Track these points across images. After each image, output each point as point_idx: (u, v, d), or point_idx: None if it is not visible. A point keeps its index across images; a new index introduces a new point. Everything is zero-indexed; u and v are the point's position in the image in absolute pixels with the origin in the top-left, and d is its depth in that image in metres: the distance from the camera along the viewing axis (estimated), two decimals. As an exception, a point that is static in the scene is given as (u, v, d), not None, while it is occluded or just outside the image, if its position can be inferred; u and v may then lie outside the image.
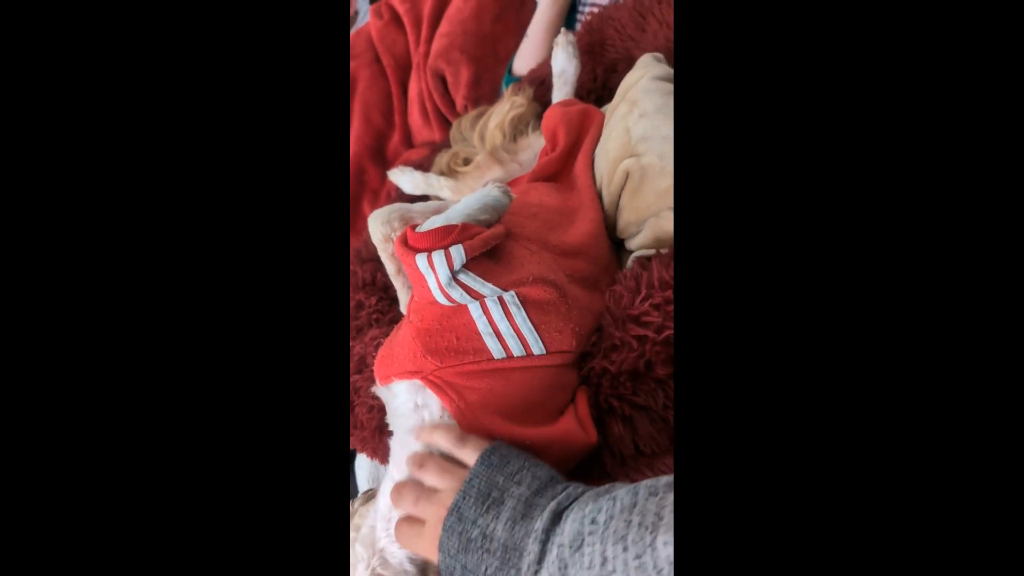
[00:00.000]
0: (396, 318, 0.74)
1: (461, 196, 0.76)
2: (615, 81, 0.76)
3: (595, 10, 0.88)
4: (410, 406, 0.51)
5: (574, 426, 0.49)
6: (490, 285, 0.48)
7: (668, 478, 0.38)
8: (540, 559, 0.39)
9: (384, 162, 1.18)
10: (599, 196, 0.63)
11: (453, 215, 0.51)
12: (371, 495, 0.63)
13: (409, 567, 0.50)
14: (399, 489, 0.49)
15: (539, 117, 0.85)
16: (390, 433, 0.62)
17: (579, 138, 0.68)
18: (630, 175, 0.59)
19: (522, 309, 0.50)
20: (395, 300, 0.79)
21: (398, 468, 0.53)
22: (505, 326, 0.50)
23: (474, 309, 0.50)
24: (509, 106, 0.84)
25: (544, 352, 0.51)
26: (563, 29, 0.79)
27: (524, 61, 0.96)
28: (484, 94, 1.01)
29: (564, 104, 0.72)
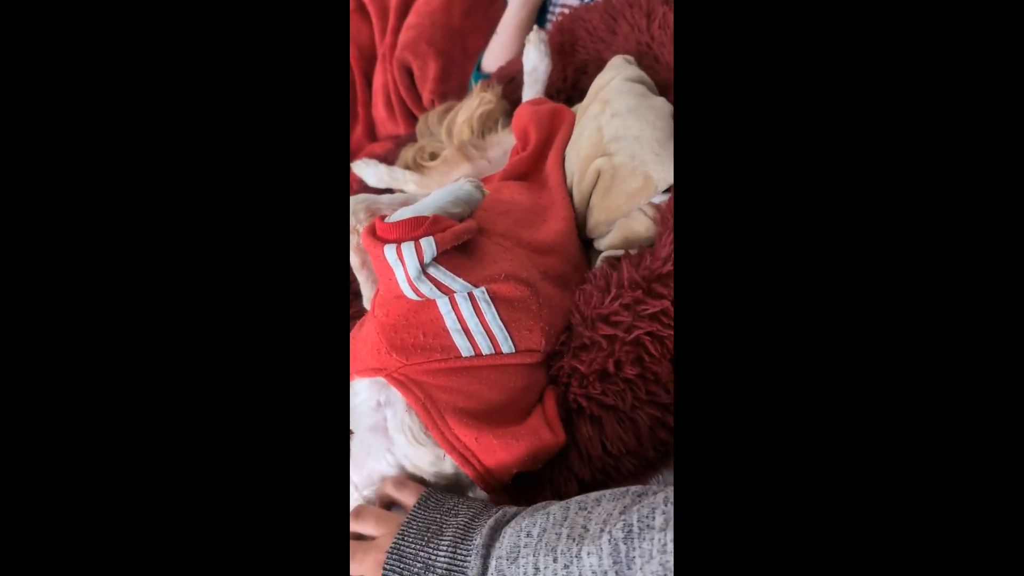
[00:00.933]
0: (359, 313, 0.72)
1: (427, 191, 0.74)
2: (585, 82, 0.76)
3: (566, 11, 0.88)
4: (372, 404, 0.50)
5: (542, 426, 0.48)
6: (460, 280, 0.47)
7: (598, 493, 0.41)
8: (482, 573, 0.40)
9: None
10: (569, 195, 0.62)
11: (423, 207, 0.49)
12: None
13: None
14: None
15: (508, 115, 0.85)
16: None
17: (550, 137, 0.67)
18: (601, 174, 0.59)
19: (492, 306, 0.49)
20: (357, 295, 0.76)
21: (358, 471, 0.51)
22: (474, 323, 0.49)
23: (443, 305, 0.48)
24: (478, 102, 0.83)
25: (513, 351, 0.50)
26: (535, 27, 0.79)
27: (493, 58, 0.95)
28: (451, 89, 1.00)
29: (534, 103, 0.71)
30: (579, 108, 0.69)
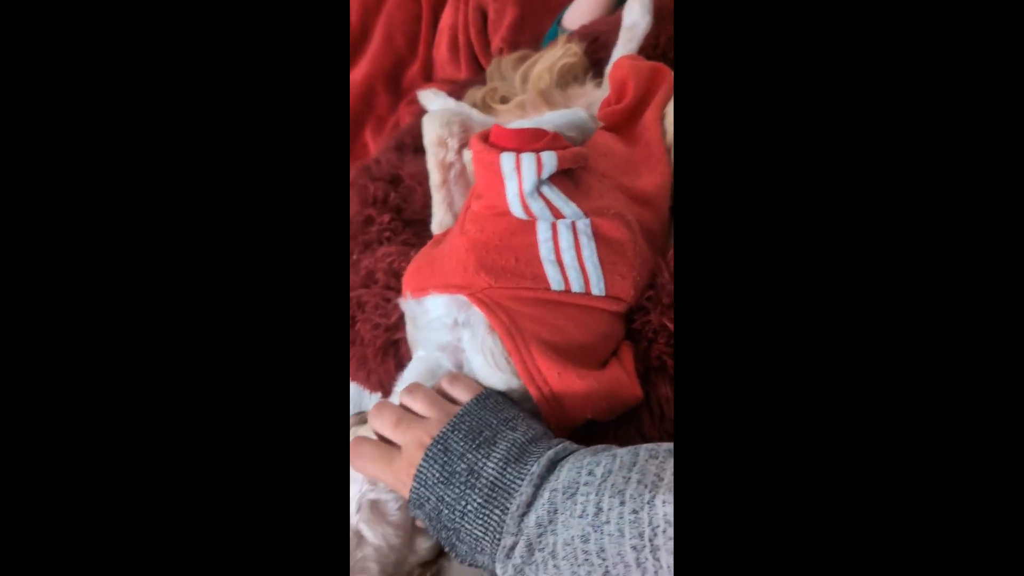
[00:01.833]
0: (410, 240, 0.68)
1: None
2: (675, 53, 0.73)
3: (664, -21, 0.85)
4: (447, 322, 0.46)
5: (623, 376, 0.46)
6: (573, 205, 0.44)
7: (669, 445, 0.38)
8: (531, 502, 0.37)
9: (398, 91, 1.11)
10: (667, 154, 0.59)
11: (539, 124, 0.46)
12: (363, 418, 0.57)
13: None
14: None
15: (588, 71, 0.82)
16: (396, 351, 0.56)
17: (647, 93, 0.64)
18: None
19: (592, 241, 0.46)
20: (408, 223, 0.73)
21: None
22: (570, 257, 0.46)
23: (542, 231, 0.45)
24: (562, 52, 0.79)
25: (603, 294, 0.47)
26: (641, -17, 0.75)
27: (577, 15, 0.92)
28: (524, 41, 0.96)
29: (633, 58, 0.68)
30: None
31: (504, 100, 0.82)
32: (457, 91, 0.89)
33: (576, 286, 0.46)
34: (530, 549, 0.36)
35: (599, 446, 0.40)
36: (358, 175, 0.84)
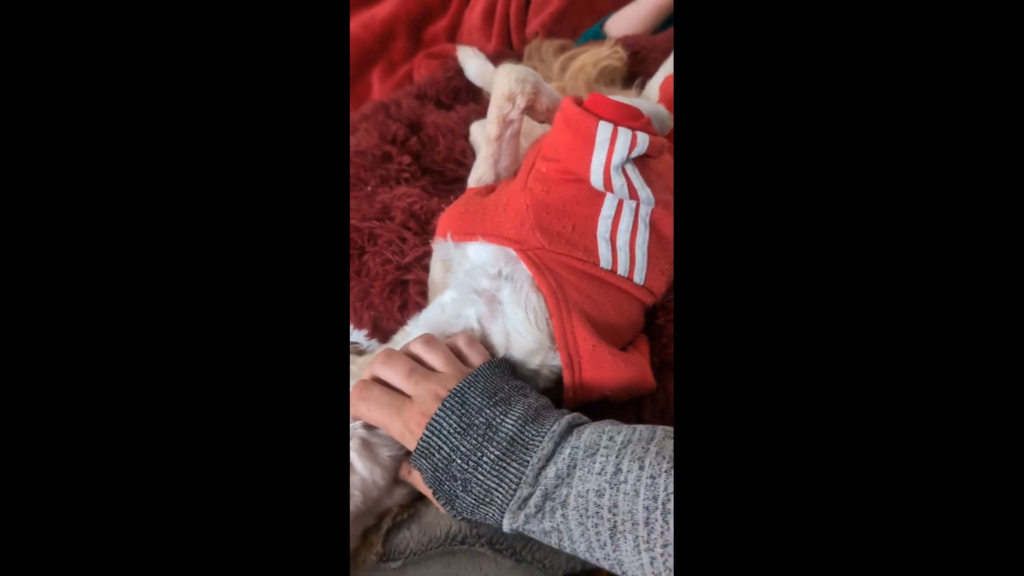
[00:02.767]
0: (427, 188, 0.66)
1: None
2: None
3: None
4: (491, 271, 0.46)
5: (646, 364, 0.47)
6: (648, 190, 0.45)
7: None
8: (550, 456, 0.38)
9: (418, 41, 1.08)
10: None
11: (635, 105, 0.46)
12: (359, 350, 0.55)
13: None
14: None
15: (624, 80, 0.83)
16: (404, 290, 0.54)
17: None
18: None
19: (648, 231, 0.47)
20: (427, 171, 0.71)
21: (433, 326, 0.46)
22: (624, 240, 0.46)
23: (607, 207, 0.46)
24: (609, 53, 0.81)
25: (642, 284, 0.48)
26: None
27: (622, 24, 0.93)
28: (561, 32, 0.97)
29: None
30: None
31: (540, 81, 0.82)
32: (491, 60, 0.88)
33: (622, 269, 0.47)
34: (544, 498, 0.37)
35: (616, 421, 0.41)
36: (374, 110, 0.81)
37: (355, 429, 0.44)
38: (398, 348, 0.48)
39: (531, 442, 0.38)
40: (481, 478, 0.38)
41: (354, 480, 0.43)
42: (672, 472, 0.35)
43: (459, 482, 0.38)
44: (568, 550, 0.38)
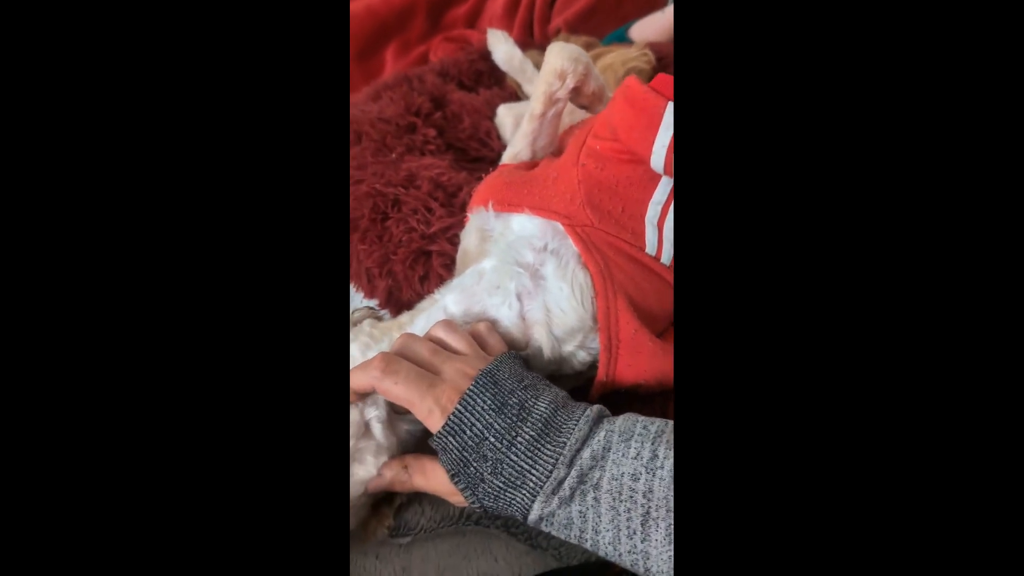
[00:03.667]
0: (454, 163, 0.65)
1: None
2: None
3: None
4: (536, 244, 0.44)
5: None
6: (704, 179, 0.44)
7: None
8: (586, 439, 0.37)
9: (437, 23, 1.06)
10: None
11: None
12: (377, 316, 0.52)
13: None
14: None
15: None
16: (427, 260, 0.53)
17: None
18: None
19: (694, 223, 0.46)
20: (451, 146, 0.69)
21: (463, 295, 0.45)
22: (670, 229, 0.45)
23: (660, 191, 0.45)
24: (637, 55, 0.81)
25: (681, 276, 0.47)
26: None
27: (647, 31, 0.94)
28: (585, 30, 0.96)
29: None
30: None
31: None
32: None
33: (665, 258, 0.46)
34: (579, 481, 0.36)
35: (634, 413, 0.40)
36: (396, 81, 0.79)
37: (377, 397, 0.42)
38: (422, 314, 0.46)
39: (564, 425, 0.37)
40: (515, 459, 0.36)
41: (370, 445, 0.41)
42: None
43: (489, 463, 0.37)
44: (589, 544, 0.36)
